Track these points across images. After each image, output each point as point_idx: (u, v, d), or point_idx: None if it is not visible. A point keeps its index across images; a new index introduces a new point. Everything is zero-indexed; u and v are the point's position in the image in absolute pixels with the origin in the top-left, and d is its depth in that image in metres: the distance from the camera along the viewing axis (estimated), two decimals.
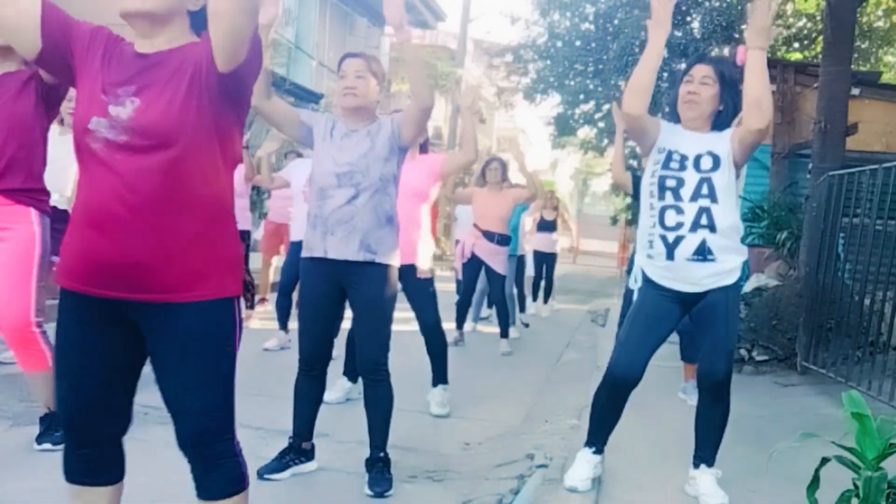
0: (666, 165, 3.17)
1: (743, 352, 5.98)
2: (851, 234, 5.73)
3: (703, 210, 3.11)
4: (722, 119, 3.23)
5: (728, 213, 3.13)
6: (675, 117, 3.30)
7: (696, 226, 3.11)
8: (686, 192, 3.12)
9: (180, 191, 1.84)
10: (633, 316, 3.28)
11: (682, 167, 3.15)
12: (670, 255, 3.16)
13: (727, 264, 3.14)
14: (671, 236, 3.15)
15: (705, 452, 3.31)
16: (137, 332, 1.93)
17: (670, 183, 3.15)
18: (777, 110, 9.37)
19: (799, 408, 5.10)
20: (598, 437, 3.38)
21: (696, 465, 3.33)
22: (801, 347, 6.08)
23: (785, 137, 9.47)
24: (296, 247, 6.11)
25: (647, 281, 3.25)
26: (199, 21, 1.96)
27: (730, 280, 3.16)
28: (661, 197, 3.16)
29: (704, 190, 3.11)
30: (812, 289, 6.03)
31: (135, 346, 1.96)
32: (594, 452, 3.37)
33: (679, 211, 3.13)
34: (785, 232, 7.54)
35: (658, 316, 3.23)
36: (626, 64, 15.55)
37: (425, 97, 3.24)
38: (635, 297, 3.35)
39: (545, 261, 10.69)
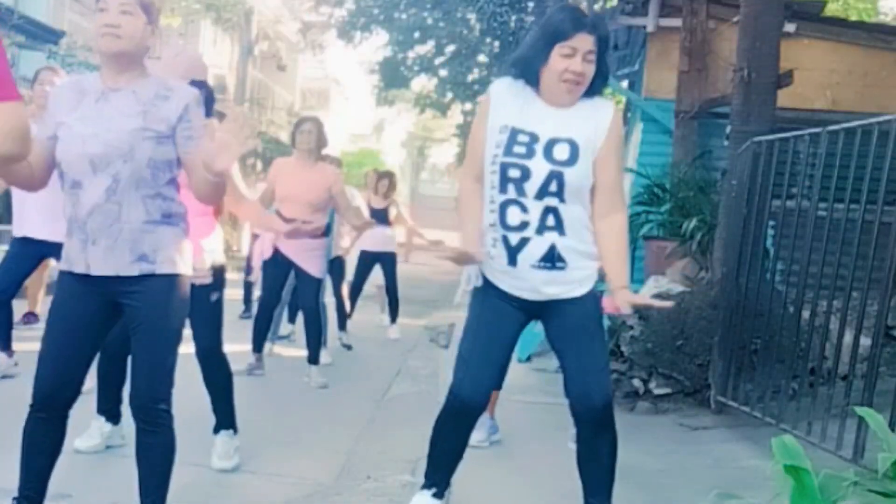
0: (509, 150, 3.11)
1: (637, 382, 5.50)
2: (785, 222, 5.21)
3: (550, 210, 3.11)
4: (592, 86, 3.17)
5: (576, 209, 3.15)
6: (532, 80, 3.13)
7: (542, 228, 3.12)
8: (531, 187, 3.09)
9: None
10: (472, 325, 3.26)
11: (530, 153, 3.11)
12: (512, 261, 3.13)
13: (578, 273, 3.17)
14: (514, 238, 3.13)
15: (598, 500, 3.21)
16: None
17: (513, 173, 3.09)
18: (683, 54, 8.32)
19: (713, 459, 4.77)
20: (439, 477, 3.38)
21: None
22: (716, 377, 5.56)
23: (693, 91, 8.36)
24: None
25: (487, 282, 3.25)
26: None
27: (582, 290, 3.18)
28: (503, 190, 3.13)
29: (553, 187, 3.09)
30: (731, 297, 5.55)
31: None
32: (434, 496, 3.31)
33: (523, 209, 3.13)
34: (694, 219, 6.89)
35: (500, 324, 3.23)
36: None
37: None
38: (468, 299, 3.33)
39: (379, 261, 8.79)
